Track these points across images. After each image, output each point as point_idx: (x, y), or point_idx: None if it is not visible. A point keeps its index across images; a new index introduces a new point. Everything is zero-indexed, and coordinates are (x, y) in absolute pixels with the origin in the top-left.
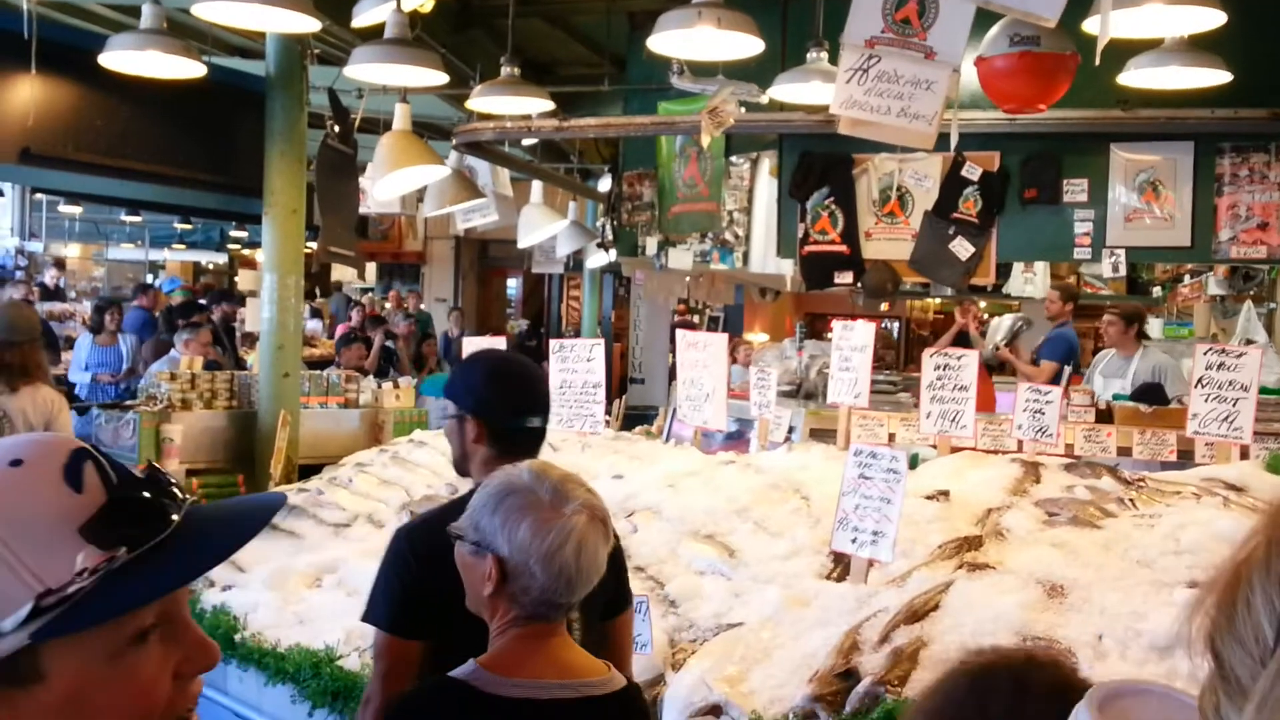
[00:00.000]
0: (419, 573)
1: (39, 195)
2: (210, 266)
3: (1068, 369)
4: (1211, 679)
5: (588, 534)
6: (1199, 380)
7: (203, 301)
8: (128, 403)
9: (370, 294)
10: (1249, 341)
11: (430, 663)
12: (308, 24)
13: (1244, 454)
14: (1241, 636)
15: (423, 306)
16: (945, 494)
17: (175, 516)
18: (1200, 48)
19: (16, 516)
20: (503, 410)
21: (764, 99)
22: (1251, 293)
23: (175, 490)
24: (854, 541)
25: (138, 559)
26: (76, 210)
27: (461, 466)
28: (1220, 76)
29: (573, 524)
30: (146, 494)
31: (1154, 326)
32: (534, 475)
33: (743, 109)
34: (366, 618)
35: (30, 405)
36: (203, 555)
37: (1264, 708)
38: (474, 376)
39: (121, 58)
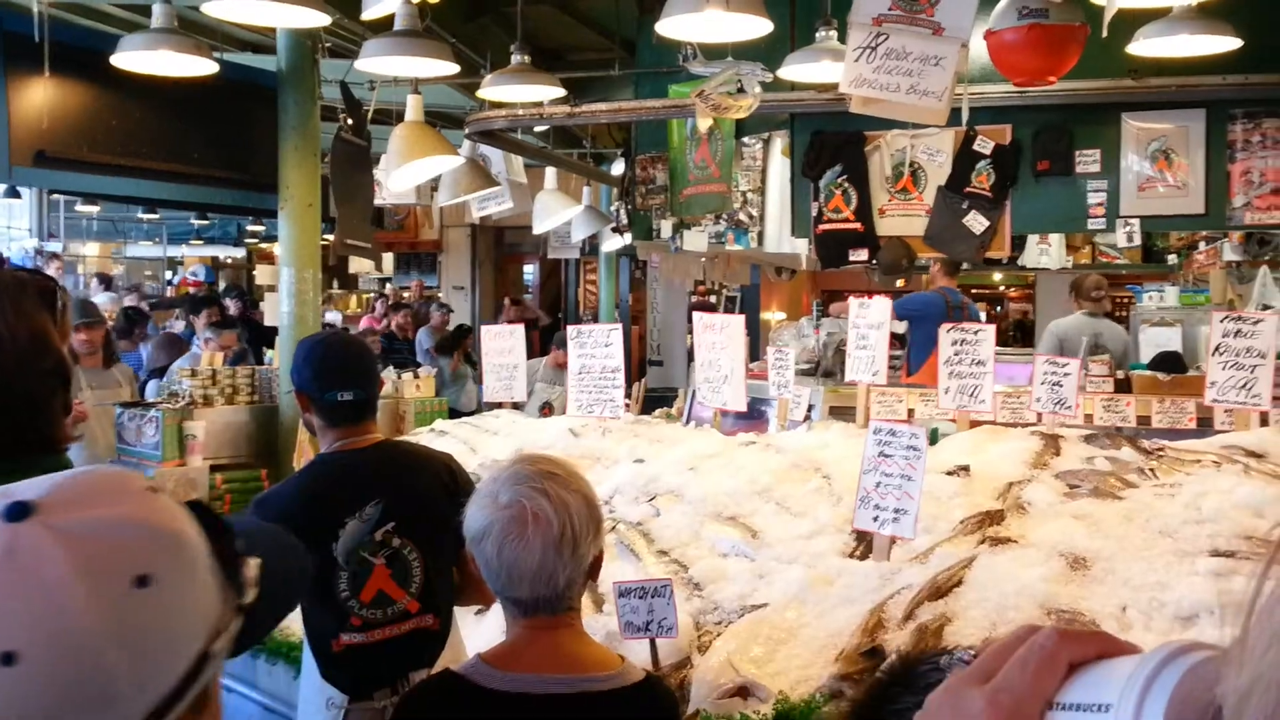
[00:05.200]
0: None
1: (55, 195)
2: (229, 261)
3: None
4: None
5: (510, 530)
6: (1216, 348)
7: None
8: (150, 400)
9: (389, 283)
10: (1265, 306)
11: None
12: (318, 19)
13: (1263, 420)
14: None
15: (441, 295)
16: (966, 469)
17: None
18: (1209, 14)
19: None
20: (314, 386)
21: (768, 78)
22: (1267, 258)
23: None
24: (876, 519)
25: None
26: (94, 209)
27: (310, 431)
28: (1230, 43)
29: (494, 518)
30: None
31: (1170, 294)
32: (503, 467)
33: (758, 88)
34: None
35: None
36: (270, 611)
37: None
38: (297, 356)
39: (134, 58)
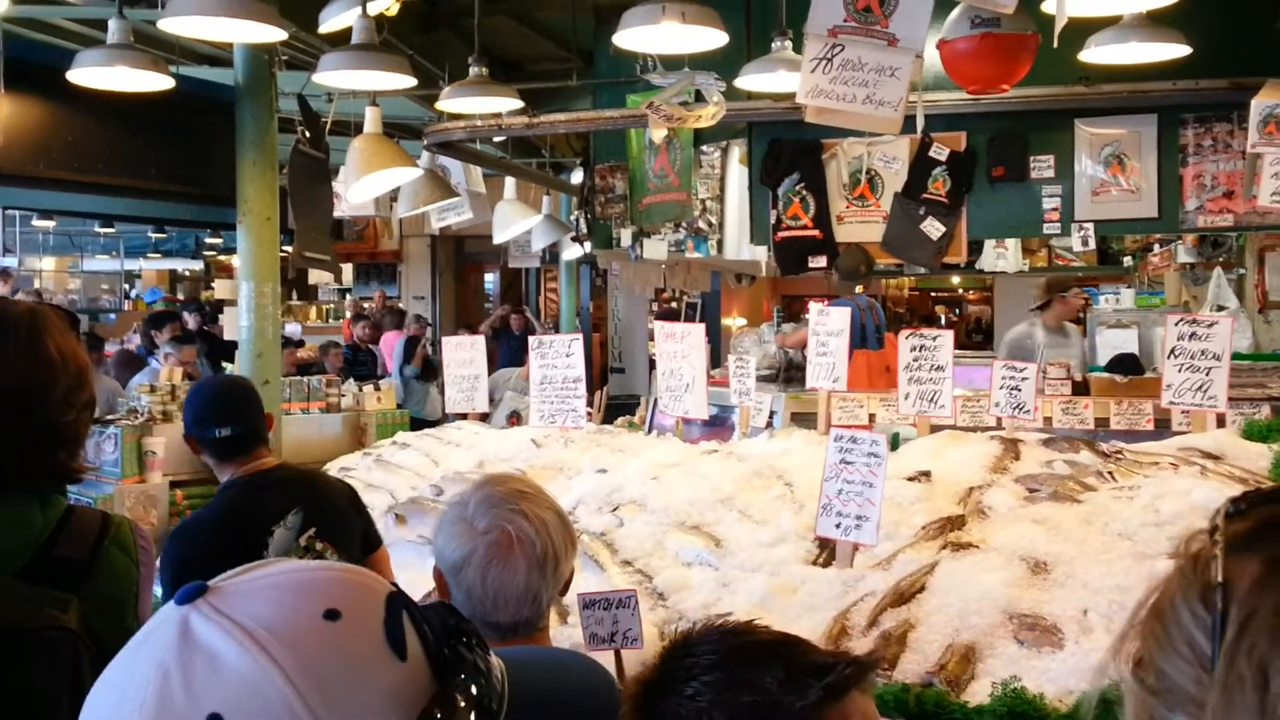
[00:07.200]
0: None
1: (11, 211)
2: (186, 274)
3: None
4: (1144, 697)
5: (493, 556)
6: (1171, 350)
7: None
8: (109, 417)
9: (349, 294)
10: (1220, 308)
11: None
12: (274, 34)
13: (1220, 421)
14: (1178, 650)
15: (402, 305)
16: (927, 474)
17: (501, 683)
18: (1159, 22)
19: (339, 694)
20: (196, 426)
21: (722, 87)
22: (1221, 259)
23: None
24: (838, 526)
25: None
26: (50, 224)
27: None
28: (1179, 50)
29: (475, 544)
30: (466, 653)
31: (1126, 296)
32: (473, 490)
33: (718, 96)
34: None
35: None
36: None
37: (1227, 692)
38: (185, 402)
39: (90, 73)
